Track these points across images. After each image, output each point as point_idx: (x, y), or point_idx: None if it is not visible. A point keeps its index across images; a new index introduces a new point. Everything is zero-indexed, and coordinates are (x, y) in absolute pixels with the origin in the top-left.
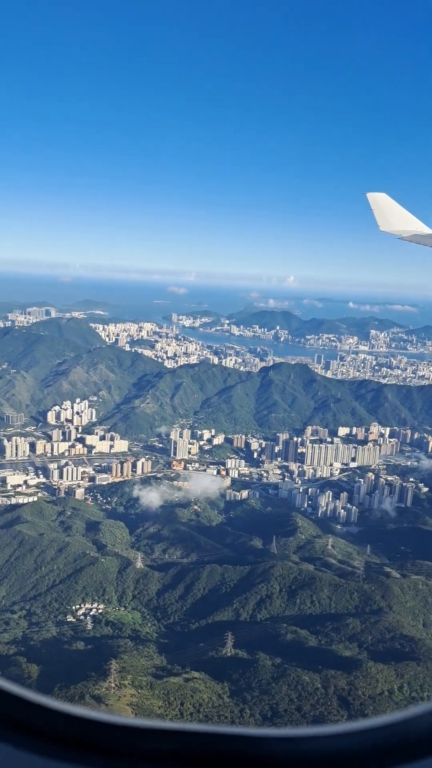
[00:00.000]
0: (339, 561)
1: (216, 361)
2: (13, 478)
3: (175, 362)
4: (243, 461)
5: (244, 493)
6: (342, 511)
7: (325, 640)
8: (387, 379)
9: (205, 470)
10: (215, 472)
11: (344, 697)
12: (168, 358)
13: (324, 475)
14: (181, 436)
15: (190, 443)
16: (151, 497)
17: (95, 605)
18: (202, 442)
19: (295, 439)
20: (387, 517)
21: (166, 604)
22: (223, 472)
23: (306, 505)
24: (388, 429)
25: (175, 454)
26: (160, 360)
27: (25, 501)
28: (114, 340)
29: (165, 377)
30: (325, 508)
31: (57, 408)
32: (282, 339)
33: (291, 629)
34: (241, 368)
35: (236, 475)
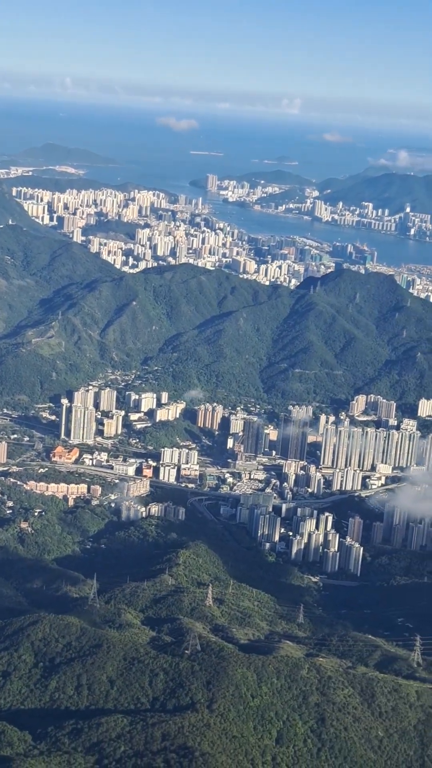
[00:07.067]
0: (212, 628)
1: (252, 267)
2: None
3: (162, 263)
4: (197, 453)
5: (156, 508)
6: (334, 551)
7: None
8: None
9: (111, 466)
10: (133, 469)
11: None
12: (153, 258)
13: (349, 487)
14: (97, 404)
15: (107, 417)
16: None
17: None
18: (135, 417)
19: (325, 418)
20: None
21: None
22: (148, 471)
23: (277, 538)
24: None
25: (68, 434)
26: (121, 261)
27: None
28: (56, 222)
29: (101, 291)
30: (302, 545)
31: None
32: (415, 229)
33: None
34: (286, 282)
35: (171, 478)
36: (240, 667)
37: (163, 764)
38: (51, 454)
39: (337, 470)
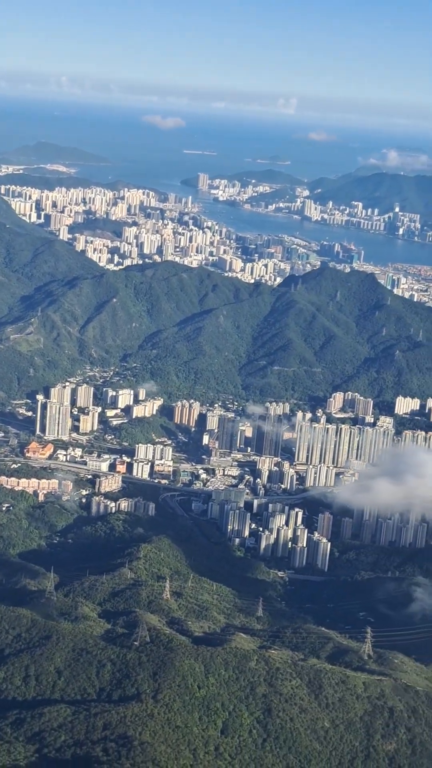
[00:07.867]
0: (168, 621)
1: (238, 265)
2: None
3: (148, 260)
4: (172, 449)
5: (125, 504)
6: (302, 546)
7: None
8: None
9: (85, 462)
10: (106, 465)
11: None
12: (139, 256)
13: (322, 484)
14: (74, 400)
15: (83, 413)
16: None
17: None
18: (112, 413)
19: (301, 414)
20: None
21: None
22: (121, 467)
23: (247, 534)
24: None
25: (43, 430)
26: (107, 259)
27: None
28: (43, 219)
29: (82, 288)
30: (271, 540)
31: None
32: (404, 229)
33: None
34: (271, 280)
35: (144, 474)
36: (188, 659)
37: (102, 753)
38: (25, 450)
39: (311, 467)
